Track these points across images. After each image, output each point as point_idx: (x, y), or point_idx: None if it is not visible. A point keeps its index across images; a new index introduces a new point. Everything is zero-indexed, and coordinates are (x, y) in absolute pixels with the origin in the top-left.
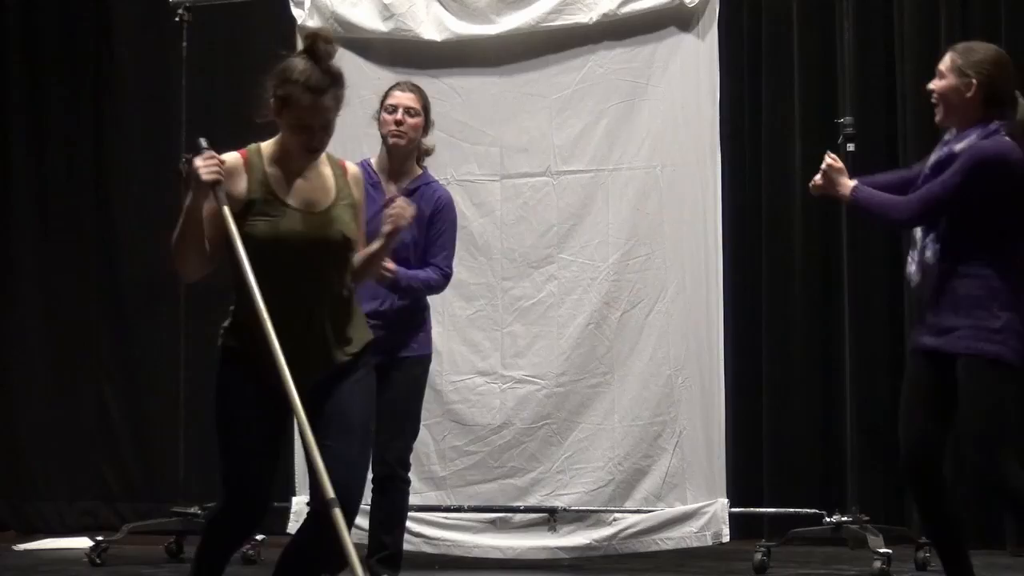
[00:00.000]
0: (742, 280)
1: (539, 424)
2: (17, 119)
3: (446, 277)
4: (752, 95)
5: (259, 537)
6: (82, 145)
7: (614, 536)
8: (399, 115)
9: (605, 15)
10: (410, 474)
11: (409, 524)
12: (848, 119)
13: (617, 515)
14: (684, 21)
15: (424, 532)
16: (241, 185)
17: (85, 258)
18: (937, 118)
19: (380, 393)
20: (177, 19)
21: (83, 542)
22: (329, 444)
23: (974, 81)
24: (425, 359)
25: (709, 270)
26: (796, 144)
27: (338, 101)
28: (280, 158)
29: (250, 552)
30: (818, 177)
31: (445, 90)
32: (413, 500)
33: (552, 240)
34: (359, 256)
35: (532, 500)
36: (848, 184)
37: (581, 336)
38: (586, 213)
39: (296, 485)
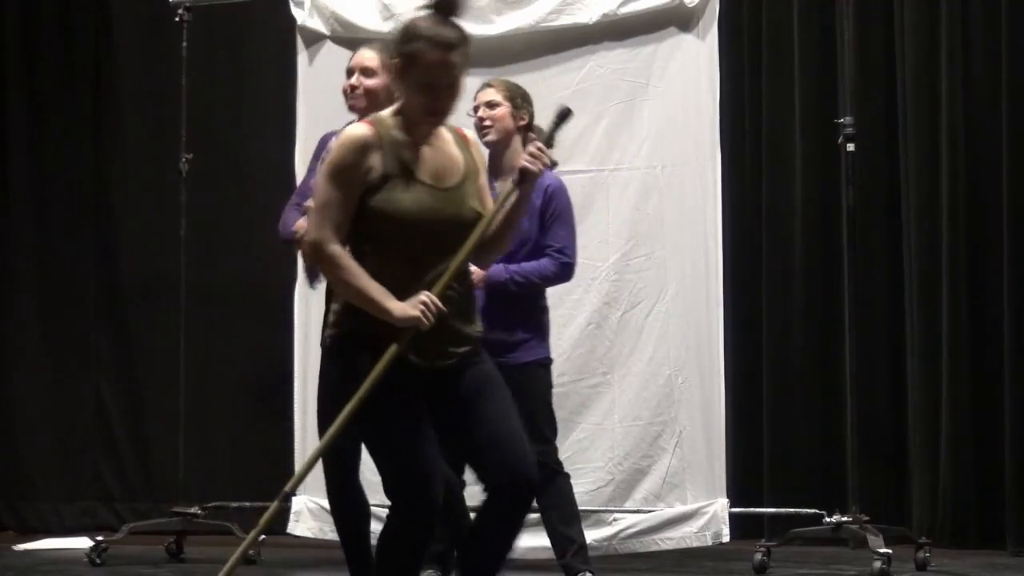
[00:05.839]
0: (742, 280)
1: None
2: (16, 119)
3: (564, 265)
4: (752, 95)
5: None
6: (81, 145)
7: (614, 536)
8: (480, 113)
9: (605, 15)
10: None
11: None
12: (848, 119)
13: (617, 515)
14: (684, 21)
15: None
16: (376, 159)
17: (84, 257)
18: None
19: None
20: (177, 19)
21: (83, 542)
22: (495, 426)
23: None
24: (545, 361)
25: (709, 270)
26: (796, 144)
27: (465, 59)
28: (404, 127)
29: (250, 552)
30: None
31: None
32: None
33: None
34: (494, 221)
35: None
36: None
37: (581, 336)
38: (586, 213)
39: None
